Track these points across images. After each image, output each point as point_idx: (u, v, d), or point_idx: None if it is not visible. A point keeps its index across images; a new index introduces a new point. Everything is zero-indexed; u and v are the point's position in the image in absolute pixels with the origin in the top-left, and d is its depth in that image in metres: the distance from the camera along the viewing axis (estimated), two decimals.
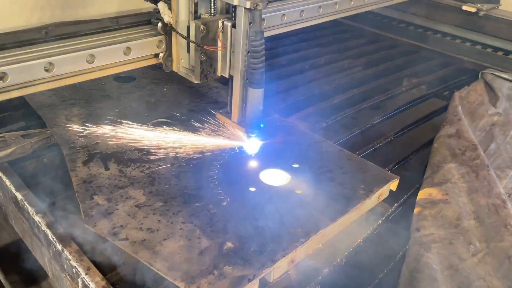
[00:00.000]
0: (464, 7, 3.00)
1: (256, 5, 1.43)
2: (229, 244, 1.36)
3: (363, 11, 2.56)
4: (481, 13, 2.95)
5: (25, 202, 1.50)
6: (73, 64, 1.57)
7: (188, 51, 1.65)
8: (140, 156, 1.72)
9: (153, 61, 1.78)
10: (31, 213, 1.47)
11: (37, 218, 1.44)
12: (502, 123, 2.24)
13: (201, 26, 1.53)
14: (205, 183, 1.60)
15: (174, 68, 1.76)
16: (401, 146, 2.10)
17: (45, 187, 1.61)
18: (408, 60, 3.05)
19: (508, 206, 1.66)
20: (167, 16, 1.60)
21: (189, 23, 1.61)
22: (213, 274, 1.26)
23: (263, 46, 1.50)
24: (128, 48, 1.64)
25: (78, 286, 1.33)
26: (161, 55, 1.75)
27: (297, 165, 1.71)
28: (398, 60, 3.04)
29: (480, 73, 2.63)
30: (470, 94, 2.45)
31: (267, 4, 1.48)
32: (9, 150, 1.70)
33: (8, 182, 1.58)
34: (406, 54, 3.17)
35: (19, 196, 1.53)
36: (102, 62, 1.62)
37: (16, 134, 1.76)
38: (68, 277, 1.39)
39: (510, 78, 2.52)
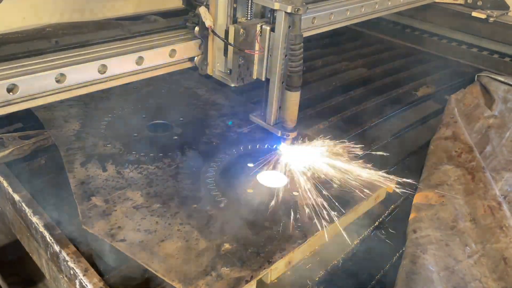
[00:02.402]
0: (474, 14, 2.97)
1: (297, 9, 1.45)
2: (226, 246, 1.36)
3: (374, 18, 2.55)
4: (491, 19, 2.92)
5: (22, 204, 1.50)
6: (85, 75, 1.52)
7: (226, 54, 1.66)
8: (137, 157, 1.72)
9: (165, 70, 1.75)
10: (28, 214, 1.47)
11: (34, 220, 1.44)
12: (498, 125, 2.26)
13: (241, 30, 1.54)
14: (203, 185, 1.60)
15: (209, 72, 1.77)
16: (398, 148, 2.11)
17: (43, 188, 1.61)
18: (405, 63, 3.07)
19: (504, 208, 1.67)
20: (208, 21, 1.61)
21: (227, 27, 1.61)
22: (210, 275, 1.26)
23: (302, 49, 1.51)
24: (141, 58, 1.61)
25: (75, 287, 1.33)
26: (196, 58, 1.75)
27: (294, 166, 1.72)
28: (396, 62, 3.06)
29: (476, 76, 2.65)
30: (466, 97, 2.46)
31: (307, 8, 1.49)
32: (6, 152, 1.70)
33: (5, 184, 1.58)
34: (403, 56, 3.18)
35: (16, 197, 1.53)
36: (114, 72, 1.58)
37: (13, 135, 1.76)
38: (65, 278, 1.39)
39: (506, 81, 2.53)
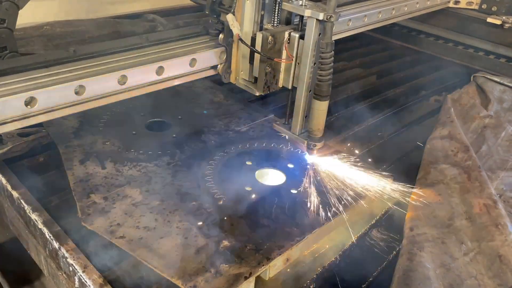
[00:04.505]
0: (489, 20, 2.93)
1: (330, 17, 1.40)
2: (225, 243, 1.37)
3: (388, 24, 2.52)
4: (507, 25, 2.88)
5: (21, 201, 1.50)
6: (104, 86, 1.45)
7: (252, 62, 1.62)
8: (136, 155, 1.73)
9: (186, 79, 1.70)
10: (27, 211, 1.47)
11: (33, 216, 1.44)
12: (494, 125, 2.28)
13: (270, 38, 1.50)
14: (202, 182, 1.61)
15: (232, 80, 1.73)
16: (394, 147, 2.12)
17: (42, 186, 1.61)
18: (401, 63, 3.09)
19: (499, 207, 1.69)
20: (236, 29, 1.57)
21: (254, 34, 1.57)
22: (209, 272, 1.27)
23: (332, 58, 1.47)
24: (161, 67, 1.56)
25: (74, 284, 1.33)
26: (219, 66, 1.70)
27: (292, 165, 1.73)
28: (392, 63, 3.08)
29: (472, 76, 2.67)
30: (462, 97, 2.48)
31: (339, 15, 1.45)
32: (5, 149, 1.70)
33: (4, 181, 1.58)
34: (399, 57, 3.20)
35: (15, 194, 1.53)
36: (134, 83, 1.52)
37: (12, 133, 1.76)
38: (64, 275, 1.39)
39: (501, 81, 2.55)
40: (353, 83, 2.71)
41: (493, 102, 2.44)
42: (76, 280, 1.31)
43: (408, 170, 1.93)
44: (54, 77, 1.36)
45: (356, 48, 3.27)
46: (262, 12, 1.56)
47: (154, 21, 2.58)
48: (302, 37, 1.50)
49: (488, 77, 2.60)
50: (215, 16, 1.65)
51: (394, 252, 1.55)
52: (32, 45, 2.16)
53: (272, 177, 1.68)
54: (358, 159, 1.76)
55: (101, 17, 2.51)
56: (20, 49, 1.63)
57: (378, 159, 1.92)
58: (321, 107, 1.52)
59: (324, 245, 1.52)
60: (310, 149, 1.60)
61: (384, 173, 1.72)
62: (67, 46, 2.05)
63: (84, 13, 2.50)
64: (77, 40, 2.27)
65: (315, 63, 1.49)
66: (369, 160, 1.87)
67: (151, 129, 1.93)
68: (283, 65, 1.58)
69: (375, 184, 1.67)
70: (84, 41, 2.26)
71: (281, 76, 1.60)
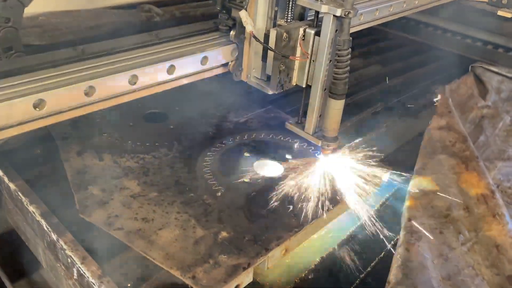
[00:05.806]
0: (500, 13, 2.90)
1: (348, 13, 1.36)
2: (223, 234, 1.37)
3: (397, 17, 2.49)
4: None
5: (19, 193, 1.49)
6: (115, 87, 1.41)
7: (265, 60, 1.57)
8: (133, 146, 1.72)
9: (197, 77, 1.66)
10: (25, 203, 1.46)
11: (31, 208, 1.44)
12: (491, 115, 2.28)
13: (284, 34, 1.46)
14: (200, 174, 1.61)
15: (243, 78, 1.69)
16: (392, 138, 2.12)
17: (39, 178, 1.60)
18: (400, 54, 3.08)
19: (497, 196, 1.69)
20: (249, 26, 1.52)
21: (267, 31, 1.52)
22: (208, 263, 1.27)
23: (350, 55, 1.43)
24: (172, 66, 1.51)
25: (73, 275, 1.33)
26: (230, 64, 1.66)
27: (290, 156, 1.73)
28: (391, 53, 3.07)
29: (470, 67, 2.66)
30: (460, 87, 2.47)
31: (357, 11, 1.41)
32: (1, 141, 1.68)
33: (1, 173, 1.57)
34: (398, 47, 3.19)
35: (12, 186, 1.52)
36: (145, 82, 1.47)
37: None
38: (62, 266, 1.39)
39: (499, 72, 2.55)
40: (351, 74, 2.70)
41: (491, 92, 2.43)
42: (75, 271, 1.31)
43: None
44: (63, 78, 1.31)
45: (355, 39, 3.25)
46: (276, 8, 1.51)
47: (150, 11, 2.55)
48: (317, 33, 1.45)
49: (486, 67, 2.59)
50: (224, 11, 1.60)
51: (392, 242, 1.55)
52: (27, 36, 2.13)
53: (270, 168, 1.67)
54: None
55: (97, 8, 2.48)
56: None
57: (377, 151, 1.91)
58: (337, 106, 1.49)
59: (322, 236, 1.52)
60: (324, 149, 1.56)
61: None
62: (63, 37, 2.03)
63: (83, 5, 2.47)
64: (73, 31, 2.24)
65: (330, 61, 1.45)
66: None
67: (149, 120, 1.92)
68: (297, 63, 1.53)
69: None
70: (81, 32, 2.23)
71: (295, 74, 1.55)
